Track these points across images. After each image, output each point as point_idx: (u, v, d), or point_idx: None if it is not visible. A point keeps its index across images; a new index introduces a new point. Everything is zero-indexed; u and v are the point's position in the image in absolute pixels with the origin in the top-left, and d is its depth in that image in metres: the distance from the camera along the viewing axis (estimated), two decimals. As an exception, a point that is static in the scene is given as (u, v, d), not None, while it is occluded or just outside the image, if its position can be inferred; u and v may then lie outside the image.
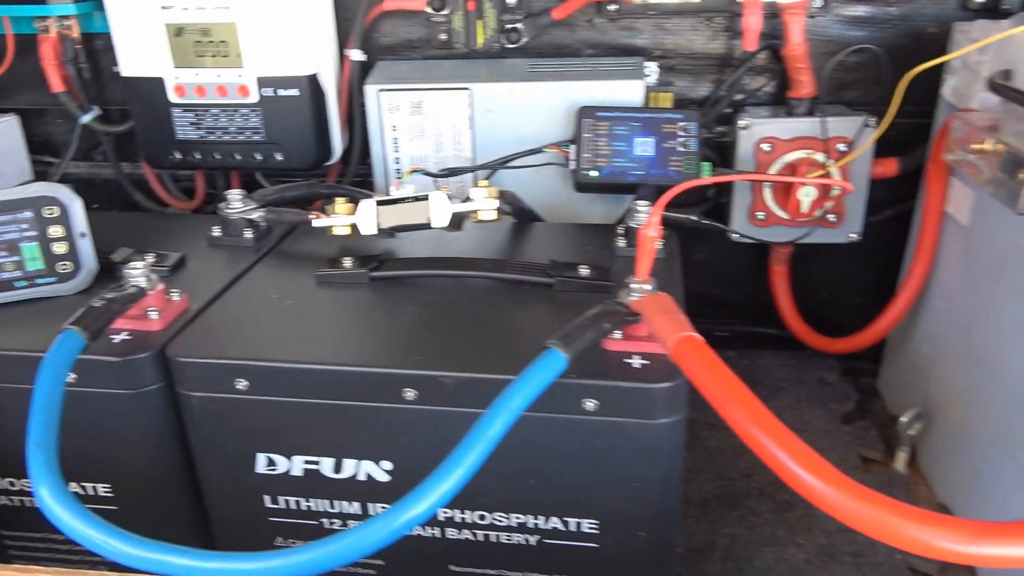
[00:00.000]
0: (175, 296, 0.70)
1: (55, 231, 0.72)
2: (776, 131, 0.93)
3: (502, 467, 0.61)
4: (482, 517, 0.65)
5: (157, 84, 0.99)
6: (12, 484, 0.71)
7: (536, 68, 0.99)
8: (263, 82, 0.97)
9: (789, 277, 1.06)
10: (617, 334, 0.61)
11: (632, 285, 0.60)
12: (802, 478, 0.43)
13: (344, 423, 0.63)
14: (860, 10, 0.96)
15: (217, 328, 0.68)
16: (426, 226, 0.77)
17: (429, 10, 1.01)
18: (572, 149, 0.92)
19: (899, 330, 0.99)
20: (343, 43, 1.03)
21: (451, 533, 0.66)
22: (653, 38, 1.01)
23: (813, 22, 0.97)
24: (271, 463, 0.65)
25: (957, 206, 0.85)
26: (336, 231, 0.79)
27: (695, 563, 0.80)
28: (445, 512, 0.65)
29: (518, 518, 0.64)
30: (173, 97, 0.99)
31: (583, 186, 0.92)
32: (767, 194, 0.95)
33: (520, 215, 0.89)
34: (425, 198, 0.77)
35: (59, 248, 0.72)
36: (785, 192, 0.92)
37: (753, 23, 0.92)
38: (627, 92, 0.93)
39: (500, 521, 0.65)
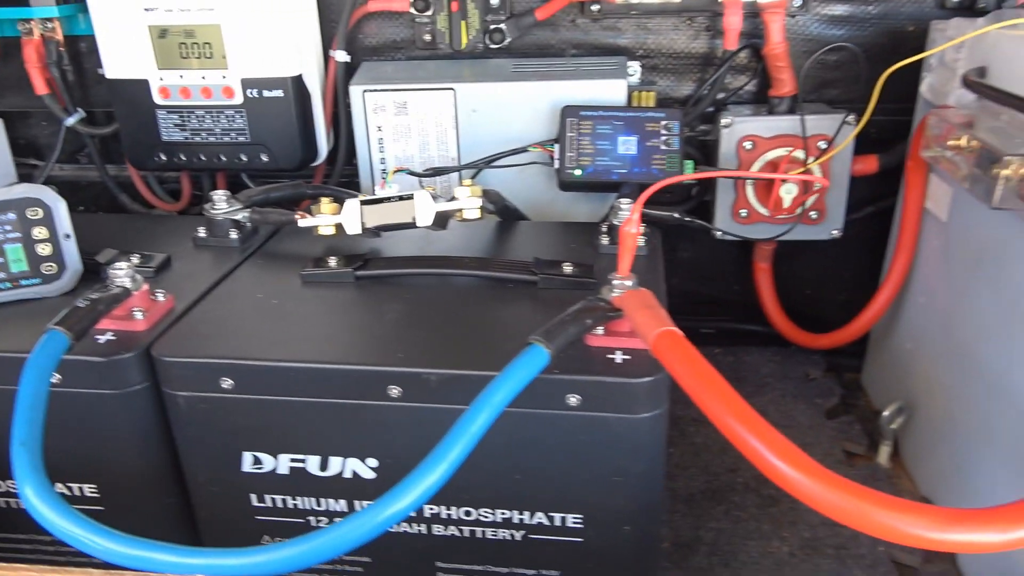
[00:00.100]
0: (160, 296, 0.70)
1: (39, 232, 0.72)
2: (757, 129, 0.94)
3: (487, 463, 0.62)
4: (468, 513, 0.65)
5: (142, 86, 0.99)
6: (-2, 485, 0.72)
7: (520, 68, 0.99)
8: (248, 83, 0.97)
9: (773, 274, 1.07)
10: (600, 330, 0.61)
11: (614, 281, 0.60)
12: (779, 468, 0.44)
13: (329, 421, 0.63)
14: (839, 9, 0.97)
15: (202, 328, 0.68)
16: (411, 225, 0.77)
17: (413, 11, 1.02)
18: (556, 148, 0.92)
19: (882, 325, 1.01)
20: (328, 44, 1.03)
21: (437, 530, 0.67)
22: (636, 38, 1.02)
23: (793, 21, 0.98)
24: (257, 462, 0.66)
25: (936, 202, 0.86)
26: (321, 231, 0.79)
27: (681, 557, 0.81)
28: (431, 508, 0.66)
29: (503, 514, 0.65)
30: (158, 99, 0.99)
31: (567, 185, 0.93)
32: (749, 192, 0.96)
33: (505, 214, 0.89)
34: (410, 197, 0.77)
35: (43, 249, 0.72)
36: (767, 189, 0.93)
37: (734, 22, 0.93)
38: (610, 91, 0.94)
39: (485, 517, 0.65)
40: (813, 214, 0.96)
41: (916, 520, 0.39)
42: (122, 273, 0.66)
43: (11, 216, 0.71)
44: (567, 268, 0.73)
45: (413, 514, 0.66)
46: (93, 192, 1.18)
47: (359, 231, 0.78)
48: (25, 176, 1.16)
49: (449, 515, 0.66)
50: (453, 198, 0.78)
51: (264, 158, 1.01)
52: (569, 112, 0.92)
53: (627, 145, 0.91)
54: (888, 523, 0.40)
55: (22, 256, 0.72)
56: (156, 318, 0.68)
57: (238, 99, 0.98)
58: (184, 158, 1.02)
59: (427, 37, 1.04)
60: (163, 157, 1.03)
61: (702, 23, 1.00)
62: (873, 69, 0.85)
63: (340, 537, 0.49)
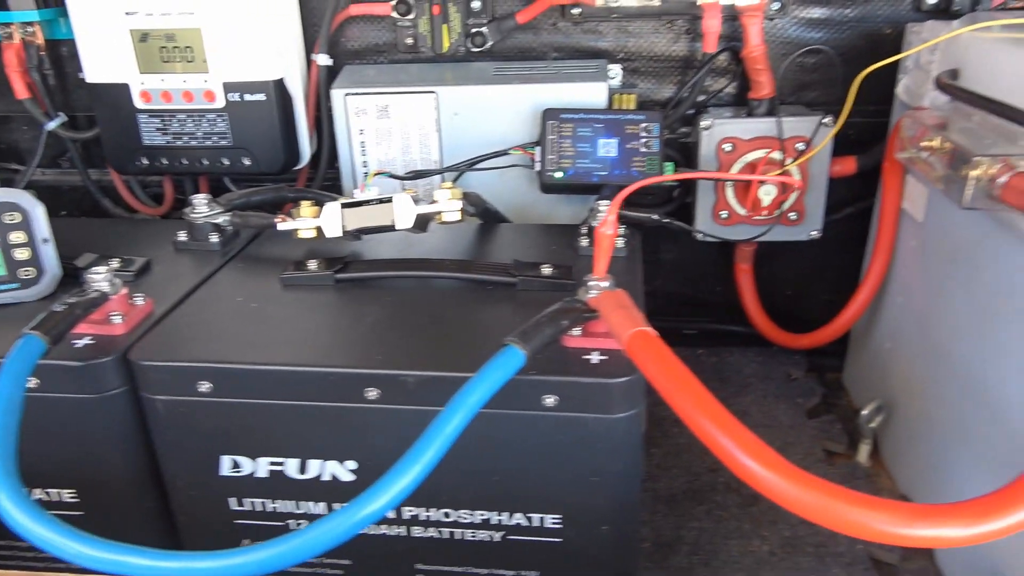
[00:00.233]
0: (139, 300, 0.70)
1: (16, 237, 0.72)
2: (737, 131, 0.94)
3: (465, 464, 0.62)
4: (447, 515, 0.66)
5: (122, 90, 0.99)
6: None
7: (501, 71, 1.00)
8: (229, 87, 0.97)
9: (754, 275, 1.07)
10: (577, 331, 0.62)
11: (590, 283, 0.61)
12: (749, 466, 0.44)
13: (308, 424, 0.63)
14: (817, 12, 0.98)
15: (181, 331, 0.68)
16: (390, 228, 0.77)
17: (395, 15, 1.02)
18: (537, 151, 0.93)
19: (862, 325, 1.01)
20: (310, 48, 1.03)
21: (416, 531, 0.67)
22: (616, 41, 1.02)
23: (771, 24, 0.99)
24: (236, 465, 0.66)
25: (912, 203, 0.87)
26: (301, 234, 0.79)
27: (662, 557, 0.81)
28: (411, 510, 0.66)
29: (482, 515, 0.65)
30: (139, 103, 0.99)
31: (548, 187, 0.93)
32: (729, 193, 0.97)
33: (486, 216, 0.90)
34: (389, 200, 0.78)
35: (21, 254, 0.72)
36: (746, 190, 0.94)
37: (712, 26, 0.93)
38: (591, 94, 0.95)
39: (464, 518, 0.65)
40: (792, 215, 0.97)
41: (881, 516, 0.40)
42: (100, 277, 0.66)
43: (-12, 221, 0.71)
44: (546, 270, 0.73)
45: (392, 516, 0.66)
46: (75, 196, 1.18)
47: (339, 234, 0.78)
48: (6, 181, 1.15)
49: (428, 517, 0.66)
50: (433, 201, 0.78)
51: (246, 162, 1.01)
52: (550, 115, 0.92)
53: (607, 147, 0.91)
54: (855, 519, 0.40)
55: (0, 261, 0.72)
56: (135, 322, 0.68)
57: (220, 103, 0.98)
58: (166, 162, 1.02)
59: (409, 41, 1.04)
60: (145, 161, 1.02)
61: (682, 26, 1.01)
62: (850, 71, 0.86)
63: (314, 539, 0.50)
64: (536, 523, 0.65)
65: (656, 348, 0.51)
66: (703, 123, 0.95)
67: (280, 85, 0.98)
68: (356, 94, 0.97)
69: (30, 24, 1.03)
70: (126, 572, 0.47)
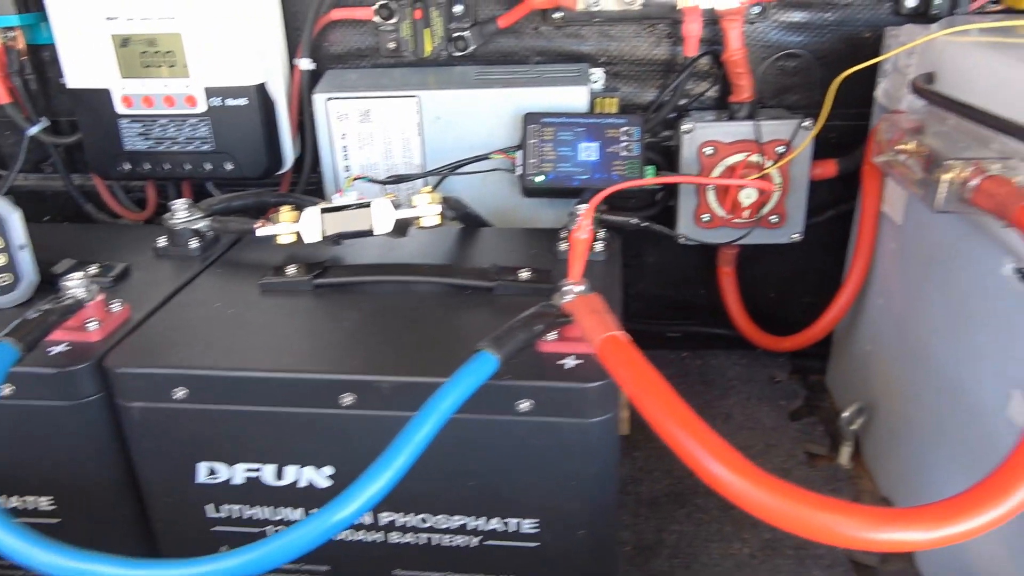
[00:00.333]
0: (116, 307, 0.70)
1: (-7, 244, 0.72)
2: (718, 135, 0.94)
3: (441, 469, 0.63)
4: (424, 520, 0.66)
5: (103, 95, 0.98)
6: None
7: (483, 75, 1.00)
8: (211, 92, 0.97)
9: (737, 278, 1.08)
10: (553, 335, 0.62)
11: (564, 287, 0.61)
12: (715, 472, 0.44)
13: (284, 430, 0.63)
14: (797, 16, 0.98)
15: (157, 338, 0.68)
16: (369, 233, 0.77)
17: (377, 19, 1.02)
18: (519, 155, 0.93)
19: (844, 328, 1.02)
20: (293, 53, 1.03)
21: (394, 537, 0.67)
22: (598, 44, 1.02)
23: (752, 28, 0.99)
24: (212, 472, 0.66)
25: (892, 205, 0.88)
26: (281, 239, 0.79)
27: (643, 561, 0.82)
28: (388, 516, 0.66)
29: (459, 520, 0.65)
30: (120, 108, 0.99)
31: (530, 191, 0.94)
32: (711, 197, 0.97)
33: (467, 220, 0.90)
34: (368, 205, 0.78)
35: (-3, 261, 0.72)
36: (727, 193, 0.94)
37: (693, 30, 0.94)
38: (572, 98, 0.95)
39: (441, 523, 0.65)
40: (773, 218, 0.97)
41: (846, 520, 0.40)
42: (76, 284, 0.66)
43: (-36, 227, 0.71)
44: (524, 274, 0.73)
45: (370, 521, 0.66)
46: (58, 202, 1.18)
47: (318, 239, 0.78)
48: (-11, 186, 1.15)
49: (405, 522, 0.66)
50: (412, 206, 0.78)
51: (229, 166, 1.01)
52: (531, 119, 0.92)
53: (588, 151, 0.92)
54: (820, 524, 0.41)
55: (-24, 267, 0.72)
56: (111, 329, 0.68)
57: (201, 108, 0.98)
58: (148, 167, 1.02)
59: (391, 45, 1.04)
60: (127, 166, 1.02)
61: (663, 30, 1.01)
62: (831, 75, 0.86)
63: (286, 545, 0.50)
64: (513, 528, 0.65)
65: (627, 353, 0.52)
66: (684, 127, 0.95)
67: (262, 90, 0.98)
68: (338, 98, 0.97)
69: (11, 29, 1.03)
70: (95, 581, 0.47)
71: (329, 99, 0.97)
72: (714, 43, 0.98)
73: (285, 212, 0.79)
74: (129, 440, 0.66)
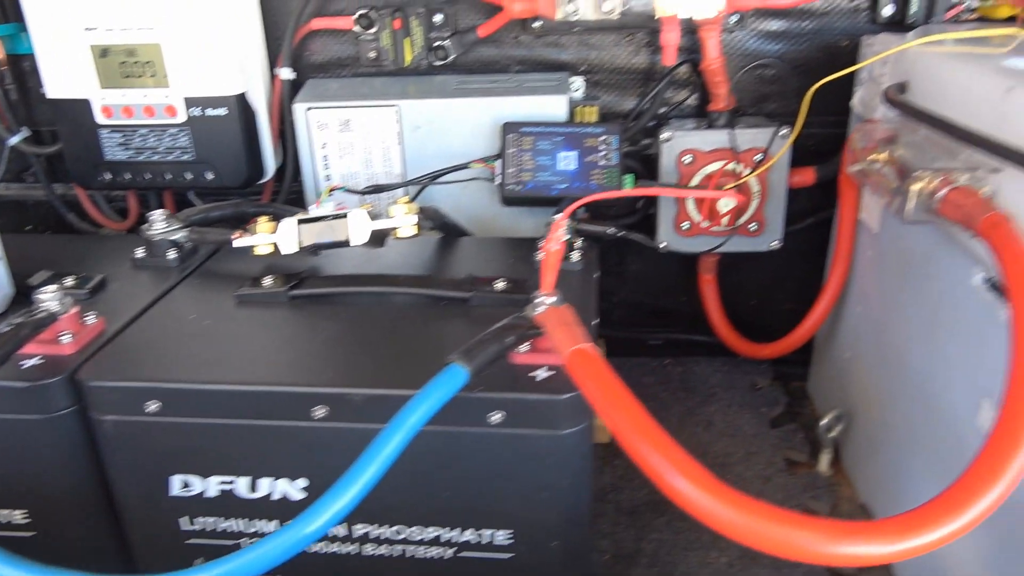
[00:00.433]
0: (91, 319, 0.70)
1: (-34, 257, 0.72)
2: (696, 143, 0.95)
3: (415, 481, 0.63)
4: (398, 532, 0.66)
5: (83, 105, 0.98)
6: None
7: (463, 85, 1.00)
8: (191, 102, 0.97)
9: (717, 285, 1.08)
10: (525, 347, 0.62)
11: (536, 299, 0.61)
12: (675, 486, 0.44)
13: (257, 442, 0.63)
14: (775, 25, 0.99)
15: (131, 350, 0.68)
16: (345, 243, 0.77)
17: (357, 29, 1.02)
18: (498, 164, 0.93)
19: (824, 334, 1.02)
20: (274, 62, 1.03)
21: (368, 549, 0.67)
22: (578, 53, 1.03)
23: (730, 37, 0.99)
24: (186, 485, 0.65)
25: (869, 213, 0.88)
26: (258, 250, 0.79)
27: (622, 570, 0.82)
28: (362, 528, 0.66)
29: (433, 531, 0.65)
30: (100, 118, 0.99)
31: (509, 200, 0.94)
32: (690, 205, 0.97)
33: (445, 230, 0.90)
34: (345, 216, 0.78)
35: (-29, 274, 0.72)
36: (704, 202, 0.95)
37: (671, 39, 0.94)
38: (552, 107, 0.95)
39: (415, 535, 0.65)
40: (752, 226, 0.98)
41: (804, 535, 0.40)
42: (47, 296, 0.66)
43: (-63, 240, 0.71)
44: (499, 285, 0.73)
45: (344, 533, 0.66)
46: (40, 212, 1.18)
47: (295, 250, 0.78)
48: (-30, 196, 1.15)
49: (379, 534, 0.66)
50: (389, 216, 0.79)
51: (209, 176, 1.01)
52: (510, 128, 0.93)
53: (567, 160, 0.92)
54: (778, 538, 0.41)
55: (-51, 280, 0.71)
56: (85, 341, 0.68)
57: (181, 117, 0.98)
58: (129, 177, 1.02)
59: (372, 54, 1.04)
60: (108, 176, 1.02)
61: (642, 39, 1.01)
62: (808, 83, 0.87)
63: (256, 559, 0.50)
64: (487, 539, 0.65)
65: (594, 366, 0.52)
66: (663, 135, 0.96)
67: (242, 99, 0.98)
68: (318, 108, 0.97)
69: (-10, 39, 1.03)
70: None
71: (309, 108, 0.97)
72: (693, 52, 0.99)
73: (262, 223, 0.79)
74: (103, 453, 0.66)
